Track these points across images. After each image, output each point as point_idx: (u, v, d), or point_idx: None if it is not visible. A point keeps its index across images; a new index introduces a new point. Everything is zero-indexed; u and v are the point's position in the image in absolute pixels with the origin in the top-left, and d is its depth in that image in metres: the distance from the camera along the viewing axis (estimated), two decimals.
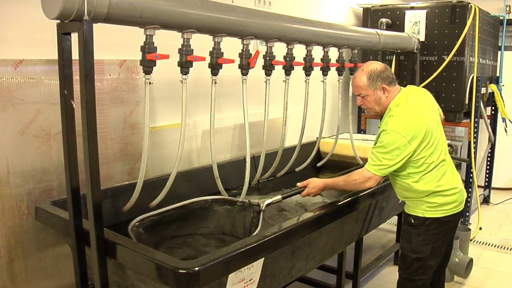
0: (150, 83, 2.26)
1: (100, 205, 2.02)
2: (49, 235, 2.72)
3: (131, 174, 3.22)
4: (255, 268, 2.12)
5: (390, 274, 4.17)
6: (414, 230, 2.75)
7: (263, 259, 2.14)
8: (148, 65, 2.23)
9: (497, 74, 6.02)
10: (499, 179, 6.72)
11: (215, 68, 2.58)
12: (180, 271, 1.78)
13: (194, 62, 2.43)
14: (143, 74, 2.26)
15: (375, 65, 2.75)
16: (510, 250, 4.90)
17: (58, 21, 1.95)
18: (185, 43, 2.39)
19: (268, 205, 2.71)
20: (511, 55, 6.36)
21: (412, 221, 2.76)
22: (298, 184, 2.88)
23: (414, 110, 2.66)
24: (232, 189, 3.43)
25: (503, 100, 5.74)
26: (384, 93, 2.71)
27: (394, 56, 5.19)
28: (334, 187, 2.82)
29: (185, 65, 2.40)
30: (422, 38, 5.06)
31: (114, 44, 3.00)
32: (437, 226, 2.72)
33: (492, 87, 5.68)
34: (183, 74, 2.41)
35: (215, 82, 2.61)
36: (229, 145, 3.95)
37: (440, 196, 2.67)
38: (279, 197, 2.78)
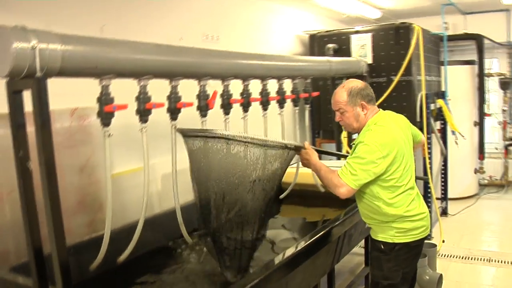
0: (109, 135, 2.17)
1: (68, 268, 1.89)
2: None
3: (92, 226, 3.08)
4: None
5: None
6: (385, 256, 2.73)
7: None
8: (106, 117, 2.14)
9: (443, 89, 6.20)
10: (454, 190, 6.88)
11: (174, 113, 2.52)
12: None
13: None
14: (102, 126, 2.16)
15: (356, 83, 2.78)
16: (475, 260, 5.00)
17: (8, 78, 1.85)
18: (142, 91, 2.32)
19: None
20: (453, 69, 6.59)
21: (382, 247, 2.74)
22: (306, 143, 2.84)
23: (391, 130, 2.67)
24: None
25: (451, 113, 5.91)
26: (363, 110, 2.72)
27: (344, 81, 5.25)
28: (316, 172, 2.73)
29: (144, 113, 2.33)
30: (370, 61, 5.16)
31: (63, 92, 2.88)
32: (407, 251, 2.72)
33: (440, 102, 5.84)
34: (142, 123, 2.33)
35: (175, 127, 2.53)
36: (190, 185, 3.85)
37: (408, 222, 2.68)
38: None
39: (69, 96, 2.92)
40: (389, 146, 2.57)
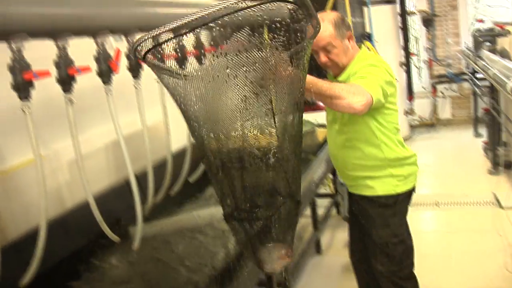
0: None
1: None
2: None
3: None
4: None
5: (318, 264, 3.78)
6: (389, 211, 2.52)
7: None
8: None
9: (367, 31, 5.87)
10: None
11: (66, 83, 1.90)
12: None
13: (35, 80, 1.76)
14: None
15: (333, 13, 2.39)
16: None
17: None
18: (16, 57, 1.69)
19: None
20: (374, 9, 6.27)
21: (385, 201, 2.51)
22: None
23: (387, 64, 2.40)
24: (122, 220, 2.84)
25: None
26: (350, 42, 2.37)
27: None
28: (311, 84, 1.90)
29: (23, 88, 1.71)
30: None
31: None
32: (409, 200, 2.60)
33: (367, 44, 5.50)
34: (23, 100, 1.73)
35: (71, 102, 1.94)
36: (106, 169, 3.27)
37: (406, 166, 2.50)
38: None
39: None
40: (391, 76, 2.34)
